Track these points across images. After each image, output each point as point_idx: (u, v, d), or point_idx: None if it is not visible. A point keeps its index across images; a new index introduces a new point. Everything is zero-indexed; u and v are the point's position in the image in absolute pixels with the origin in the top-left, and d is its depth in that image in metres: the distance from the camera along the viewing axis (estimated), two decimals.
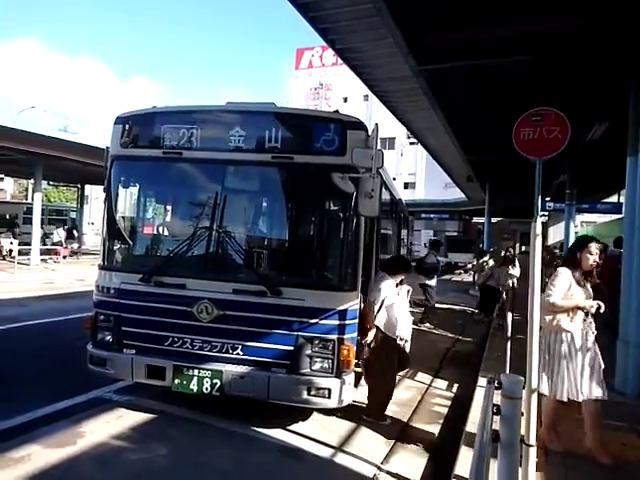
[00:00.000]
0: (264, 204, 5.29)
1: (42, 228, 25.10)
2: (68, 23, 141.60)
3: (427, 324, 10.30)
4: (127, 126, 4.74)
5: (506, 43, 6.37)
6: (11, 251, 19.09)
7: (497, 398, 2.58)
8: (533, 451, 2.93)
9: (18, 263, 15.94)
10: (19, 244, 18.39)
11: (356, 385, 4.85)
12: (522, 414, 2.60)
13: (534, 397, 2.99)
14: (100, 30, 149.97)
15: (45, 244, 20.69)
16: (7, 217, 25.91)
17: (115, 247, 5.04)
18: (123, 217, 5.17)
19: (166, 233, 5.42)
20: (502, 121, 6.20)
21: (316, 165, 4.32)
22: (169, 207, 5.68)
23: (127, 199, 5.20)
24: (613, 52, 6.18)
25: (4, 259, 19.44)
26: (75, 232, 24.09)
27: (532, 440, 2.91)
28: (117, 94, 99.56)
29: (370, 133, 4.21)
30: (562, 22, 5.95)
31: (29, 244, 18.11)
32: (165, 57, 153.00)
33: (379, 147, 4.04)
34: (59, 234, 21.81)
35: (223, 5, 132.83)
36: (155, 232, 5.50)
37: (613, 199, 19.34)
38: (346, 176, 4.09)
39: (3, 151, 16.29)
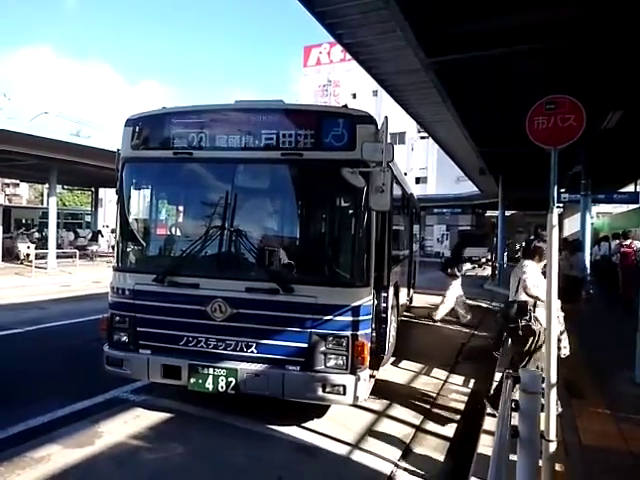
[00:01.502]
0: (275, 202, 5.27)
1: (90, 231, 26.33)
2: (77, 28, 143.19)
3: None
4: (137, 128, 4.76)
5: (516, 31, 6.26)
6: (28, 255, 19.41)
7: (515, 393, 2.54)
8: (553, 446, 2.88)
9: (35, 267, 16.20)
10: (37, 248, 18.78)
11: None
12: (541, 409, 2.55)
13: (553, 392, 2.93)
14: (108, 34, 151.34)
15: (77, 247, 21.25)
16: (23, 221, 26.43)
17: (128, 249, 5.07)
18: (136, 219, 5.20)
19: (178, 233, 5.44)
20: (515, 111, 6.12)
21: (326, 161, 4.30)
22: (181, 207, 5.70)
23: (139, 201, 5.23)
24: (626, 37, 6.04)
25: (22, 263, 19.76)
26: (100, 236, 25.13)
27: (552, 435, 2.85)
28: (127, 98, 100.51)
29: (380, 127, 4.17)
30: (573, 7, 5.83)
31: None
32: (172, 60, 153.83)
33: (389, 141, 3.99)
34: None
35: (228, 7, 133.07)
36: (167, 232, 5.53)
37: (629, 189, 18.93)
38: (356, 171, 4.06)
39: (18, 157, 16.53)
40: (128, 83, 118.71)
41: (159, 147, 4.73)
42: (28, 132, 15.03)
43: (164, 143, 4.71)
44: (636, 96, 7.66)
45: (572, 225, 24.53)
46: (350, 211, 4.46)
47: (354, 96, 47.33)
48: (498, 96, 8.92)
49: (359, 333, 4.16)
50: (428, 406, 5.21)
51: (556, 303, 2.98)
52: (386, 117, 4.02)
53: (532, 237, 13.44)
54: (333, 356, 4.15)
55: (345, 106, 4.70)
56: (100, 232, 26.53)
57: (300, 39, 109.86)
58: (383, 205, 4.06)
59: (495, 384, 4.90)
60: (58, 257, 18.81)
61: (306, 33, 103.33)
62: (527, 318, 4.50)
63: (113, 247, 5.03)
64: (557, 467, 3.10)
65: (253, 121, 4.47)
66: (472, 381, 6.15)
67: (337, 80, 50.82)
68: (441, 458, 4.06)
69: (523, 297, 4.64)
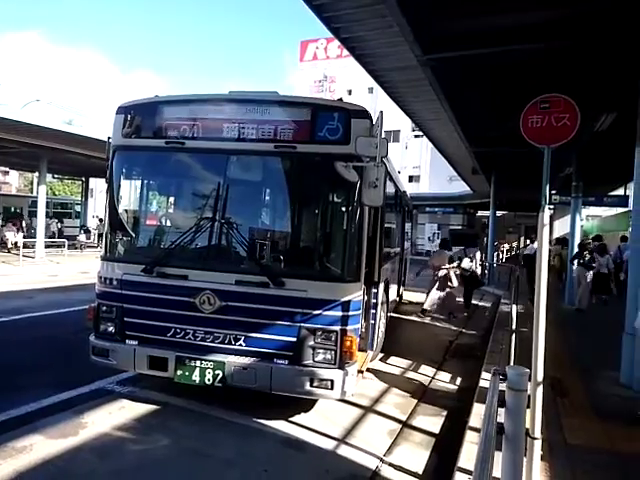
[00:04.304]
0: (267, 194, 5.23)
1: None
2: (68, 14, 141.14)
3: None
4: (129, 116, 4.68)
5: (514, 31, 6.24)
6: (16, 243, 19.21)
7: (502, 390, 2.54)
8: (538, 444, 2.89)
9: (23, 256, 16.01)
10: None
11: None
12: (527, 407, 2.56)
13: (539, 389, 2.94)
14: (101, 20, 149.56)
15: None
16: (12, 210, 26.15)
17: (117, 238, 5.01)
18: (125, 208, 5.13)
19: (168, 224, 5.38)
20: (509, 110, 6.12)
21: (319, 154, 4.27)
22: (171, 198, 5.64)
23: (129, 190, 5.17)
24: (623, 39, 6.06)
25: (9, 252, 19.53)
26: (87, 232, 25.34)
27: (537, 433, 2.87)
28: (119, 87, 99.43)
29: (374, 121, 4.15)
30: (570, 8, 5.83)
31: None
32: (167, 49, 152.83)
33: (383, 136, 3.97)
34: None
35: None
36: (157, 223, 5.46)
37: (619, 192, 19.12)
38: (350, 165, 4.04)
39: (8, 144, 16.30)
40: (121, 71, 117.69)
41: (151, 136, 4.66)
42: (18, 119, 14.79)
43: (156, 132, 4.65)
44: (630, 98, 7.70)
45: (562, 227, 24.76)
46: (342, 206, 4.43)
47: (350, 92, 47.16)
48: (493, 95, 8.92)
49: (348, 328, 4.15)
50: (415, 402, 5.23)
51: (544, 301, 2.98)
52: (381, 112, 4.00)
53: None
54: (322, 350, 4.14)
55: (340, 100, 4.67)
56: (88, 229, 26.50)
57: (297, 34, 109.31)
58: (376, 200, 4.04)
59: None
60: (46, 247, 18.62)
61: (303, 28, 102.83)
62: None
63: (100, 236, 4.97)
64: (541, 465, 3.12)
65: (247, 112, 4.42)
66: (459, 379, 6.18)
67: (333, 76, 50.59)
68: (426, 454, 4.07)
69: None
